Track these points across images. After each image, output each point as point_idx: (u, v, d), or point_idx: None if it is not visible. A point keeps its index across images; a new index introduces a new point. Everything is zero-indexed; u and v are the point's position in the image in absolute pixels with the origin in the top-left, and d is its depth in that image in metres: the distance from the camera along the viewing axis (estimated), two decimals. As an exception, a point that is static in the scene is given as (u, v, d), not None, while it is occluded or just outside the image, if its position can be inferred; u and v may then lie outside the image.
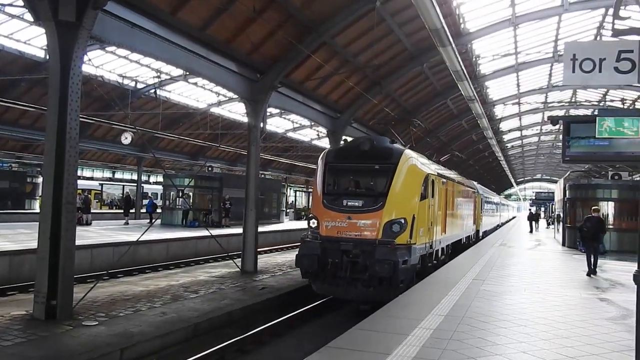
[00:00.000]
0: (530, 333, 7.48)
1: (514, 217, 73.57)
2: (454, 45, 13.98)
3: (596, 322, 8.30)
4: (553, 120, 12.93)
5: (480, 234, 26.81)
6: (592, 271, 13.64)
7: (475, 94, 19.87)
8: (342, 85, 19.17)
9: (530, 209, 41.90)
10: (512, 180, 71.14)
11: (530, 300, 9.82)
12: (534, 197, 59.95)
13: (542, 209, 58.56)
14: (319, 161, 13.11)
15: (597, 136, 5.20)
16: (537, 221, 37.77)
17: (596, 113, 5.87)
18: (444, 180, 15.46)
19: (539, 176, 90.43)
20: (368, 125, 23.64)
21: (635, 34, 5.32)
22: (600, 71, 5.26)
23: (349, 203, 12.15)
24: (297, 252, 12.17)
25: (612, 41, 5.42)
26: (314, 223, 12.30)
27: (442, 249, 15.39)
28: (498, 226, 41.61)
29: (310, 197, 14.05)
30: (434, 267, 13.91)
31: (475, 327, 7.69)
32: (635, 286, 5.32)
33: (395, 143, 13.22)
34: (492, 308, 9.01)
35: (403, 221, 11.91)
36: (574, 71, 5.29)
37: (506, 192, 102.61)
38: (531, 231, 34.73)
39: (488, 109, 25.40)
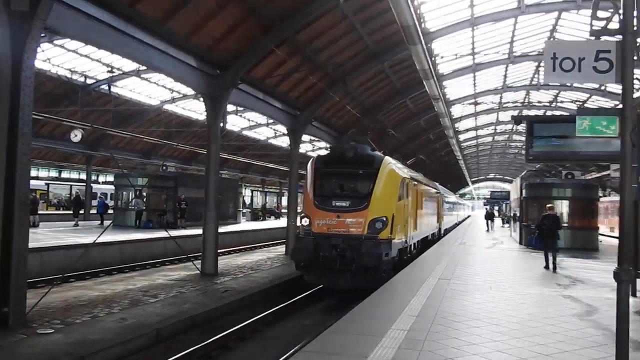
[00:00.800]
0: (502, 332, 7.61)
1: (469, 216, 75.47)
2: (423, 44, 14.54)
3: (563, 319, 8.47)
4: (516, 120, 13.21)
5: (442, 231, 28.68)
6: (552, 267, 14.17)
7: (440, 93, 20.64)
8: (303, 83, 19.31)
9: (486, 208, 42.65)
10: (468, 179, 72.60)
11: (498, 299, 10.00)
12: (488, 196, 61.11)
13: (496, 208, 59.22)
14: (309, 166, 14.53)
15: (577, 135, 5.25)
16: (492, 220, 38.42)
17: (553, 114, 5.91)
18: (415, 182, 17.39)
19: (492, 175, 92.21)
20: (329, 124, 24.20)
21: (610, 35, 5.43)
22: (579, 70, 5.36)
23: (338, 203, 13.64)
24: (292, 247, 13.96)
25: (591, 41, 5.50)
26: (306, 221, 13.70)
27: (414, 244, 17.17)
28: (456, 224, 43.40)
29: (303, 199, 15.18)
30: (408, 260, 15.62)
31: (448, 327, 7.79)
32: (616, 284, 5.33)
33: (375, 150, 14.92)
34: (462, 307, 9.14)
35: (385, 219, 13.43)
36: (554, 70, 5.36)
37: (461, 191, 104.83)
38: (488, 230, 35.31)
39: (447, 108, 25.58)
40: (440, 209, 27.39)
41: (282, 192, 55.00)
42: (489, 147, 52.43)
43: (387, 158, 14.67)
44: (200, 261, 15.35)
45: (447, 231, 32.55)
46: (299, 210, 19.35)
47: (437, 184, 29.31)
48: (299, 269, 13.67)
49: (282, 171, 48.28)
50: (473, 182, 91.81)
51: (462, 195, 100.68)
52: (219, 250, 15.83)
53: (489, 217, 37.69)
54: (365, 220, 13.38)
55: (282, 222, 30.24)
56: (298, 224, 15.35)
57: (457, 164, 52.27)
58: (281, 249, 22.92)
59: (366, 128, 23.73)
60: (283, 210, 47.78)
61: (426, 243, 20.67)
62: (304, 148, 34.97)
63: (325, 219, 13.57)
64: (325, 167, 14.36)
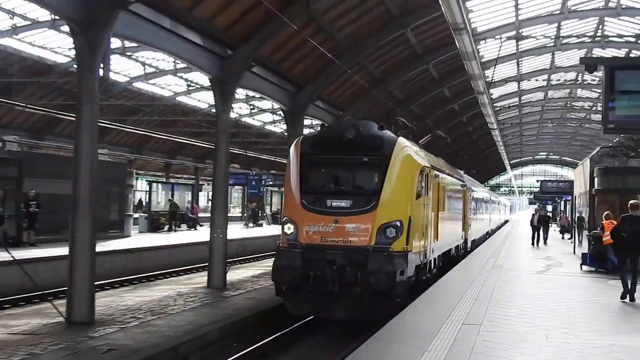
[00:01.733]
0: None
1: (506, 222, 69.72)
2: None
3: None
4: (588, 64, 10.60)
5: (469, 243, 26.69)
6: (629, 295, 12.97)
7: (475, 49, 20.44)
8: (309, 55, 20.42)
9: (537, 210, 33.57)
10: (506, 163, 65.91)
11: (561, 357, 8.42)
12: (536, 189, 49.92)
13: (549, 207, 52.80)
14: (292, 151, 13.91)
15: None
16: (546, 228, 32.12)
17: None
18: (437, 173, 16.52)
19: (542, 155, 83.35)
20: (329, 100, 24.91)
21: None
22: None
23: (335, 203, 13.15)
24: (272, 264, 13.25)
25: None
26: (289, 228, 13.23)
27: (435, 259, 16.58)
28: (488, 234, 39.48)
29: (283, 197, 14.97)
30: (426, 284, 14.81)
31: None
32: None
33: (384, 129, 14.04)
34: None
35: (399, 224, 12.97)
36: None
37: (495, 181, 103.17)
38: (535, 244, 30.67)
39: (481, 69, 23.90)
40: (467, 209, 25.45)
41: (199, 185, 48.63)
42: (537, 111, 45.45)
43: (402, 140, 14.02)
44: (65, 301, 12.27)
45: (476, 244, 29.92)
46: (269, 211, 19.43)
47: (461, 172, 26.86)
48: (280, 295, 13.25)
49: (200, 149, 46.05)
50: (513, 167, 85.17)
51: (496, 188, 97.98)
52: (96, 283, 12.89)
53: (540, 222, 31.26)
54: (372, 226, 12.96)
55: (202, 235, 26.88)
56: (278, 231, 14.45)
57: (490, 142, 50.27)
58: (201, 278, 18.63)
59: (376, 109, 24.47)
60: (203, 215, 41.08)
61: (446, 261, 19.38)
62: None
63: (317, 225, 13.14)
64: (316, 152, 13.81)
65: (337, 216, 13.01)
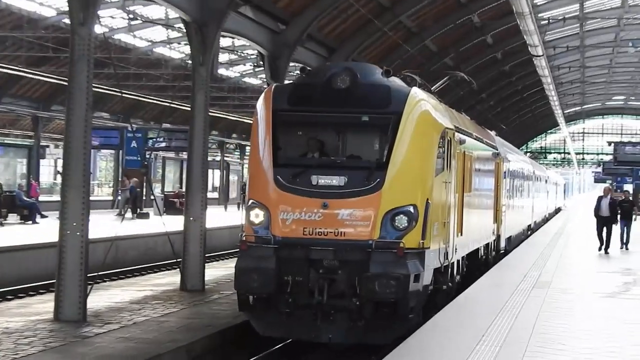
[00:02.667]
0: None
1: (557, 210, 66.01)
2: None
3: None
4: None
5: (502, 242, 25.45)
6: None
7: None
8: None
9: (607, 191, 28.46)
10: (558, 114, 62.99)
11: None
12: (608, 156, 48.34)
13: (629, 189, 47.47)
14: (260, 106, 13.53)
15: None
16: (626, 222, 27.55)
17: None
18: (461, 137, 15.97)
19: (619, 102, 77.68)
20: (318, 38, 25.27)
21: None
22: None
23: (323, 181, 12.83)
24: (235, 266, 12.99)
25: None
26: (257, 216, 12.90)
27: (459, 262, 16.53)
28: (529, 230, 37.91)
29: (246, 171, 14.12)
30: (447, 296, 14.83)
31: None
32: None
33: (391, 74, 13.70)
34: None
35: (412, 210, 12.71)
36: None
37: (539, 144, 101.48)
38: (604, 247, 26.86)
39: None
40: (500, 191, 24.44)
41: (41, 147, 42.49)
42: (611, 27, 42.03)
43: (416, 91, 13.65)
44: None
45: (512, 243, 28.69)
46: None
47: (491, 133, 25.87)
48: (245, 310, 13.01)
49: (41, 85, 41.68)
50: (570, 120, 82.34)
51: (540, 155, 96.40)
52: None
53: (613, 212, 26.95)
54: (376, 213, 12.65)
55: (46, 232, 25.03)
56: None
57: (535, 82, 48.71)
58: (43, 306, 15.60)
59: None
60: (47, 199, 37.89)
61: (472, 266, 19.26)
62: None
63: (298, 211, 12.78)
64: (294, 108, 13.40)
65: (326, 198, 12.71)
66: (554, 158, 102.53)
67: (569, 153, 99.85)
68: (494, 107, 59.22)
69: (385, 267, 12.35)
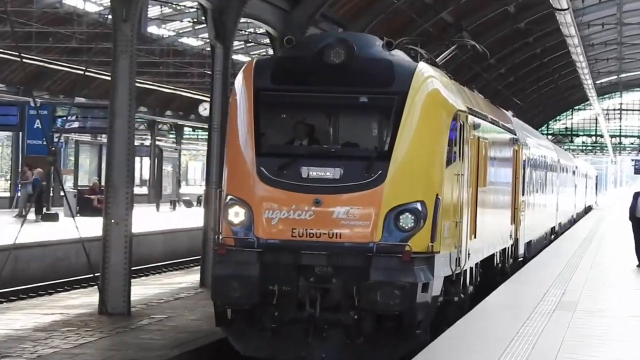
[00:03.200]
0: None
1: (588, 209, 68.61)
2: None
3: None
4: None
5: (521, 247, 27.02)
6: None
7: None
8: None
9: None
10: (588, 84, 63.39)
11: None
12: None
13: None
14: (238, 84, 14.56)
15: None
16: None
17: None
18: (475, 120, 17.23)
19: None
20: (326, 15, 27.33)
21: None
22: None
23: (314, 173, 13.77)
24: (211, 273, 14.53)
25: None
26: (237, 215, 13.90)
27: (472, 269, 17.87)
28: (552, 233, 39.45)
29: (225, 161, 15.00)
30: (458, 309, 16.07)
31: None
32: None
33: (393, 46, 14.62)
34: None
35: (420, 207, 13.71)
36: None
37: (558, 125, 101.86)
38: None
39: None
40: (519, 185, 25.99)
41: None
42: None
43: (423, 67, 14.64)
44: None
45: (532, 250, 30.48)
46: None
47: (508, 114, 27.44)
48: (222, 326, 13.96)
49: None
50: (603, 94, 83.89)
51: (565, 137, 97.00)
52: None
53: None
54: (378, 211, 13.56)
55: None
56: (223, 220, 14.21)
57: (558, 43, 50.73)
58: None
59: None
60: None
61: (491, 274, 21.22)
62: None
63: (285, 208, 13.74)
64: (279, 87, 14.36)
65: (318, 194, 13.57)
66: (583, 142, 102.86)
67: (601, 136, 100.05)
68: (506, 75, 59.51)
69: (389, 275, 13.18)
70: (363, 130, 14.39)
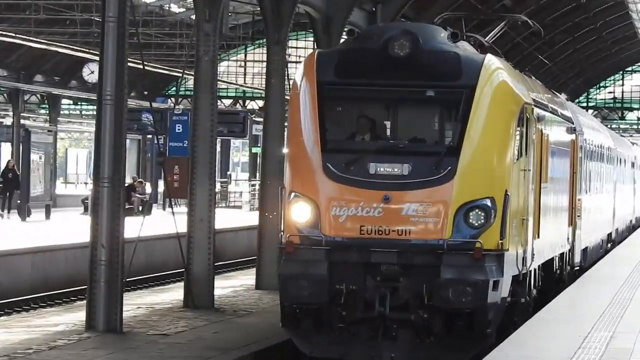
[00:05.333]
0: None
1: None
2: None
3: None
4: None
5: (577, 255, 32.16)
6: None
7: None
8: None
9: None
10: None
11: None
12: None
13: None
14: (300, 77, 18.64)
15: None
16: None
17: None
18: (540, 113, 21.78)
19: None
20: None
21: None
22: None
23: (382, 169, 17.86)
24: (279, 272, 18.44)
25: None
26: (304, 212, 17.98)
27: (535, 271, 22.63)
28: (609, 239, 43.59)
29: (286, 157, 19.58)
30: (523, 310, 20.61)
31: None
32: None
33: (459, 38, 18.79)
34: None
35: (490, 203, 17.80)
36: None
37: (602, 95, 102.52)
38: None
39: None
40: (576, 180, 31.45)
41: None
42: None
43: (491, 59, 18.51)
44: None
45: (589, 257, 35.49)
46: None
47: (562, 97, 33.61)
48: (289, 326, 18.21)
49: None
50: None
51: (613, 116, 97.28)
52: None
53: None
54: (448, 208, 17.66)
55: None
56: (288, 217, 18.57)
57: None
58: None
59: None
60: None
61: (549, 281, 26.06)
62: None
63: (353, 205, 17.83)
64: (344, 81, 18.43)
65: (387, 190, 17.69)
66: (639, 119, 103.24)
67: None
68: (526, 24, 59.77)
69: (460, 272, 17.32)
70: (430, 125, 18.46)
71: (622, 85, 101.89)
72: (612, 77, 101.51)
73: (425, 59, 17.96)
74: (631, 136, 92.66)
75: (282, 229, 18.52)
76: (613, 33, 75.09)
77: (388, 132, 18.52)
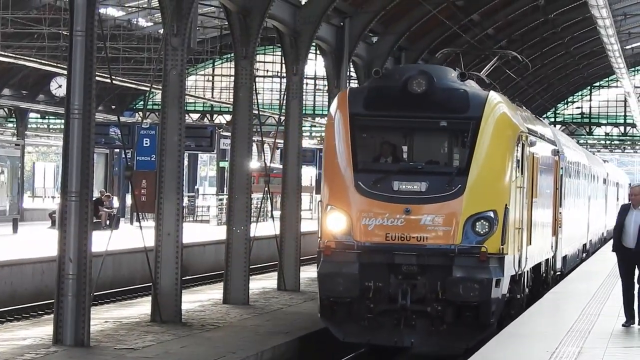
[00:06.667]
0: None
1: None
2: None
3: None
4: None
5: (559, 261, 37.80)
6: None
7: None
8: None
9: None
10: (615, 50, 65.00)
11: None
12: None
13: None
14: (334, 110, 23.36)
15: None
16: None
17: None
18: (532, 139, 25.85)
19: None
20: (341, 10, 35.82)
21: None
22: None
23: (404, 186, 22.49)
24: (318, 271, 23.20)
25: None
26: (339, 222, 22.67)
27: (528, 273, 27.36)
28: (584, 250, 49.58)
29: (323, 176, 24.43)
30: (518, 304, 25.13)
31: None
32: None
33: (466, 77, 23.21)
34: None
35: (492, 215, 22.35)
36: None
37: (570, 111, 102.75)
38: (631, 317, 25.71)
39: None
40: (557, 195, 36.32)
41: None
42: None
43: (494, 96, 23.26)
44: None
45: (568, 264, 41.81)
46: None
47: (545, 123, 40.56)
48: (326, 317, 23.02)
49: None
50: (634, 64, 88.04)
51: (581, 131, 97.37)
52: None
53: None
54: (458, 218, 22.29)
55: None
56: (325, 226, 23.32)
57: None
58: None
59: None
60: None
61: (538, 282, 31.48)
62: None
63: (380, 216, 22.56)
64: (370, 113, 23.14)
65: (408, 204, 22.39)
66: (607, 134, 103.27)
67: (633, 125, 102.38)
68: (496, 36, 59.91)
69: (469, 272, 21.91)
70: (443, 150, 22.54)
71: (590, 100, 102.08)
72: (580, 93, 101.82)
73: (439, 95, 22.42)
74: (598, 151, 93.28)
75: (319, 236, 23.06)
76: (581, 48, 75.44)
77: (408, 155, 23.24)
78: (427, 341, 22.28)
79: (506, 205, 22.20)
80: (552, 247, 34.86)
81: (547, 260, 33.74)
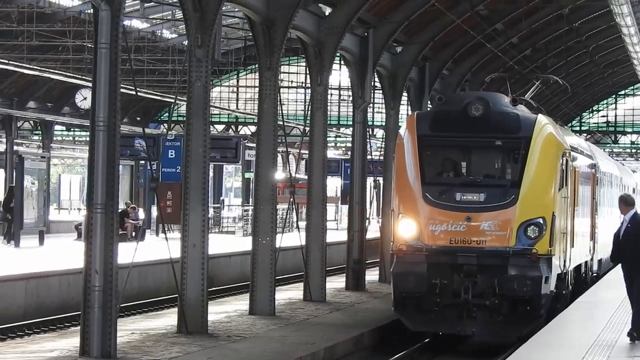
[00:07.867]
0: None
1: None
2: None
3: None
4: None
5: (595, 264, 42.81)
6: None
7: None
8: None
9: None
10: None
11: None
12: None
13: None
14: (404, 132, 27.63)
15: None
16: None
17: None
18: (575, 155, 29.25)
19: None
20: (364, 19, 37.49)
21: None
22: None
23: (465, 197, 26.71)
24: (392, 271, 27.96)
25: None
26: (409, 227, 27.14)
27: (571, 272, 30.63)
28: None
29: (394, 189, 28.89)
30: (563, 299, 28.82)
31: None
32: None
33: (517, 102, 27.29)
34: None
35: (542, 221, 26.48)
36: None
37: (595, 119, 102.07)
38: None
39: None
40: (594, 204, 40.51)
41: None
42: None
43: (542, 118, 26.82)
44: None
45: (601, 267, 46.05)
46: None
47: (582, 139, 44.71)
48: (399, 310, 27.34)
49: None
50: None
51: (606, 140, 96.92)
52: None
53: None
54: (512, 224, 26.27)
55: None
56: (398, 231, 27.85)
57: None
58: None
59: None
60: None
61: (579, 283, 35.08)
62: None
63: (445, 223, 26.68)
64: (436, 134, 26.85)
65: (469, 212, 26.44)
66: (632, 143, 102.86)
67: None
68: (520, 45, 59.90)
69: (522, 270, 25.87)
70: (498, 165, 24.99)
71: (615, 109, 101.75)
72: (605, 101, 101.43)
73: (494, 118, 25.93)
74: (625, 159, 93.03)
75: (392, 240, 27.50)
76: (606, 57, 75.25)
77: (467, 170, 26.23)
78: (486, 330, 26.50)
79: (553, 212, 25.91)
80: (590, 250, 39.00)
81: (586, 262, 37.61)
